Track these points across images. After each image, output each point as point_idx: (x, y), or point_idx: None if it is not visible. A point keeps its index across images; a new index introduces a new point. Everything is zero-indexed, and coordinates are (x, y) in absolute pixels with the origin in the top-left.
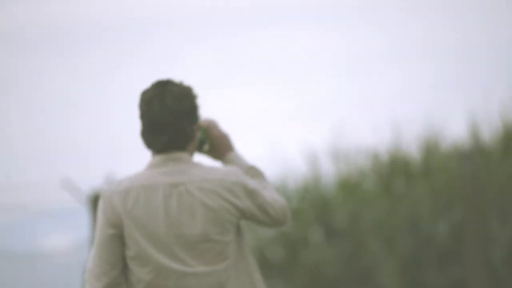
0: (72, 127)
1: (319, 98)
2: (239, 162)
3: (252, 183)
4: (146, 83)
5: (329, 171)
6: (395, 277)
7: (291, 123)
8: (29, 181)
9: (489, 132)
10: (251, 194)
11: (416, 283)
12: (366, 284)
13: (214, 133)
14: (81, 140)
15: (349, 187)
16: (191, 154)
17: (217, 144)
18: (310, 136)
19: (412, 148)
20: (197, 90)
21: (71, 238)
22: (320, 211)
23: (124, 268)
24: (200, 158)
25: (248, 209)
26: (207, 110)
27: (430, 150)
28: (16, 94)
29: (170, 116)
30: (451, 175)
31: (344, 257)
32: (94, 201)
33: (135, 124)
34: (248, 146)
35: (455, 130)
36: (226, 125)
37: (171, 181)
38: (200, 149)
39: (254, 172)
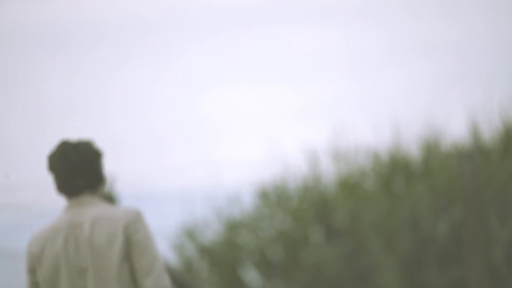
0: (72, 127)
1: (319, 98)
2: None
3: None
4: (146, 83)
5: (329, 171)
6: (395, 277)
7: (291, 123)
8: (29, 181)
9: (489, 132)
10: (137, 228)
11: (416, 283)
12: (366, 284)
13: None
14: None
15: (349, 186)
16: (101, 194)
17: None
18: (310, 136)
19: (412, 148)
20: (197, 90)
21: None
22: (320, 211)
23: None
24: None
25: (127, 241)
26: (207, 110)
27: (430, 149)
28: (16, 93)
29: (86, 162)
30: (451, 175)
31: (344, 257)
32: None
33: (136, 124)
34: (248, 146)
35: (455, 130)
36: (227, 125)
37: (71, 222)
38: None
39: None
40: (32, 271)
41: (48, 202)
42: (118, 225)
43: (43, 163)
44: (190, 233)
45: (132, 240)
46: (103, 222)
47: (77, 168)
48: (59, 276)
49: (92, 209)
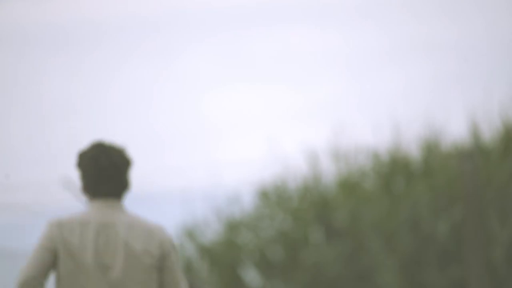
0: (72, 127)
1: (319, 98)
2: None
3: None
4: (146, 83)
5: (329, 171)
6: (395, 277)
7: (291, 123)
8: (29, 181)
9: (489, 132)
10: (171, 248)
11: (416, 283)
12: (366, 284)
13: None
14: (81, 139)
15: (349, 186)
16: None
17: None
18: (310, 136)
19: (412, 148)
20: (197, 90)
21: None
22: (320, 211)
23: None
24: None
25: (163, 258)
26: (207, 110)
27: (430, 149)
28: (16, 93)
29: (115, 169)
30: (451, 175)
31: (344, 257)
32: None
33: (136, 124)
34: (248, 146)
35: (455, 130)
36: (227, 125)
37: (102, 220)
38: None
39: None
40: (49, 249)
41: (48, 202)
42: (155, 238)
43: (43, 163)
44: (190, 233)
45: (167, 258)
46: (139, 230)
47: (105, 174)
48: (81, 264)
49: (123, 214)
